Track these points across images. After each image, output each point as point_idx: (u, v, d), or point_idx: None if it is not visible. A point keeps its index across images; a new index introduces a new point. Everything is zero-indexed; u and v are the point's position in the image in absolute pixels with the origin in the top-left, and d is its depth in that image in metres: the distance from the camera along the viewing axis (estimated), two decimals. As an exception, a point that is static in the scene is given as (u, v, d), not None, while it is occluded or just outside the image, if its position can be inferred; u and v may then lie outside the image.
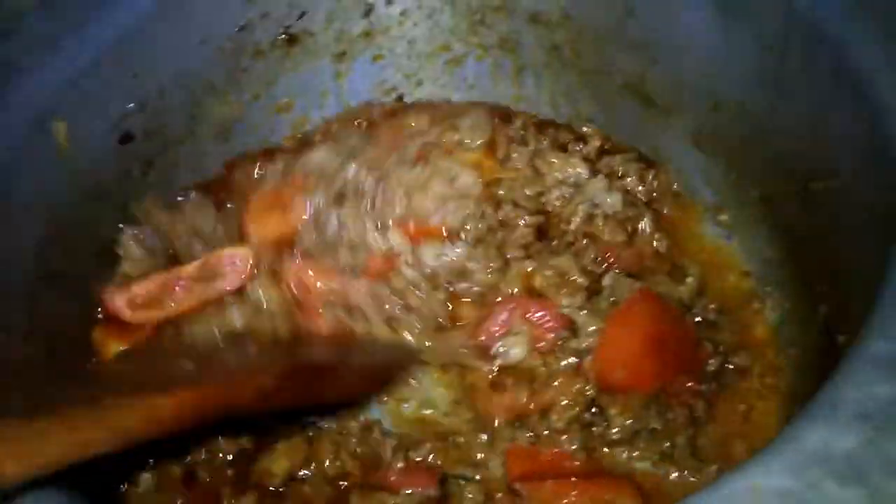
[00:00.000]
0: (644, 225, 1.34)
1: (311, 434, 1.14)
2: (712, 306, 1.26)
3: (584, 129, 1.51)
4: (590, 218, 1.34)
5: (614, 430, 1.13)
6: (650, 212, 1.37)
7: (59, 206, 1.21)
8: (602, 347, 1.17)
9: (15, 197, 1.13)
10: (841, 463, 0.65)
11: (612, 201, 1.35)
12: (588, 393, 1.14)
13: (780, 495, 0.64)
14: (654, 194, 1.42)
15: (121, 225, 1.34)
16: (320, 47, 1.55)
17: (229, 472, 1.13)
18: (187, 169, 1.46)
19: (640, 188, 1.41)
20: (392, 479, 1.11)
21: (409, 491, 1.09)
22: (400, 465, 1.12)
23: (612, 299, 1.21)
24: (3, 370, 0.95)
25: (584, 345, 1.18)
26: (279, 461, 1.12)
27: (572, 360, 1.17)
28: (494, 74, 1.62)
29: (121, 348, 1.22)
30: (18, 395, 0.94)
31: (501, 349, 1.20)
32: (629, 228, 1.34)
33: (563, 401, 1.14)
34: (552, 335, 1.19)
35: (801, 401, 1.08)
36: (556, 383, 1.15)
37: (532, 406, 1.16)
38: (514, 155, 1.43)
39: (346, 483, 1.11)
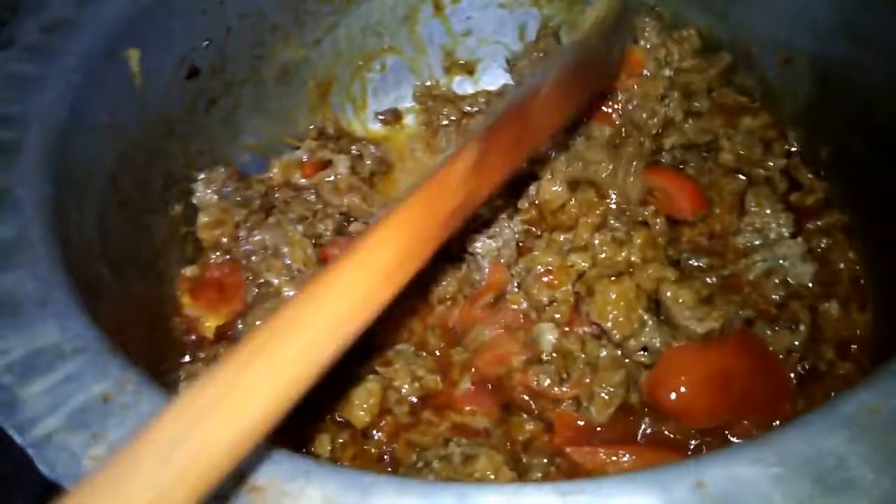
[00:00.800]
0: (834, 309, 1.18)
1: (382, 369, 1.14)
2: (830, 355, 1.15)
3: (805, 179, 1.33)
4: (766, 274, 1.20)
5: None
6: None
7: (131, 136, 1.21)
8: (661, 363, 1.09)
9: (89, 122, 1.12)
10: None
11: (803, 272, 1.20)
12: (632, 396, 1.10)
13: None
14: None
15: (196, 174, 1.35)
16: (386, -7, 1.54)
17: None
18: (249, 109, 1.46)
19: (842, 265, 1.24)
20: (459, 398, 1.13)
21: (473, 409, 1.11)
22: (467, 385, 1.13)
23: None
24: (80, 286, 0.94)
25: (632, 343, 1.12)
26: (356, 413, 1.10)
27: (615, 351, 1.13)
28: (557, 24, 1.60)
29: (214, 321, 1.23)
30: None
31: (535, 335, 1.17)
32: (808, 306, 1.17)
33: (601, 392, 1.09)
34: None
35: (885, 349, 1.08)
36: (588, 378, 1.11)
37: (563, 392, 1.12)
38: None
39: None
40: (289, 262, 1.23)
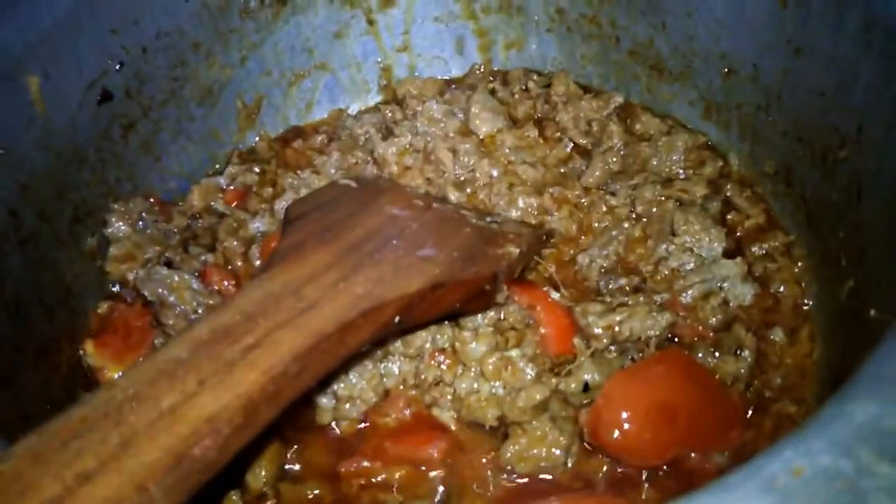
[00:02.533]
0: (777, 336, 1.13)
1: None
2: (777, 381, 1.10)
3: (743, 202, 1.28)
4: (703, 297, 1.14)
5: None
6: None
7: (34, 167, 1.13)
8: (600, 400, 1.03)
9: (-16, 154, 1.05)
10: (894, 440, 0.58)
11: (743, 293, 1.16)
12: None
13: (827, 478, 0.56)
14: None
15: (114, 204, 1.28)
16: (313, 7, 1.47)
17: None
18: (171, 133, 1.38)
19: (782, 289, 1.18)
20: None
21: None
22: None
23: (624, 357, 1.09)
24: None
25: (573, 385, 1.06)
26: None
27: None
28: (496, 37, 1.55)
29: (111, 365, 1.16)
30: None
31: None
32: (751, 331, 1.12)
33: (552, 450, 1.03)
34: None
35: (833, 378, 1.02)
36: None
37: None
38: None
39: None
40: (182, 307, 1.16)
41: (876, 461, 0.56)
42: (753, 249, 1.22)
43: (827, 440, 0.58)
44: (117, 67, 1.26)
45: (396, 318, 0.95)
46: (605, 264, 1.21)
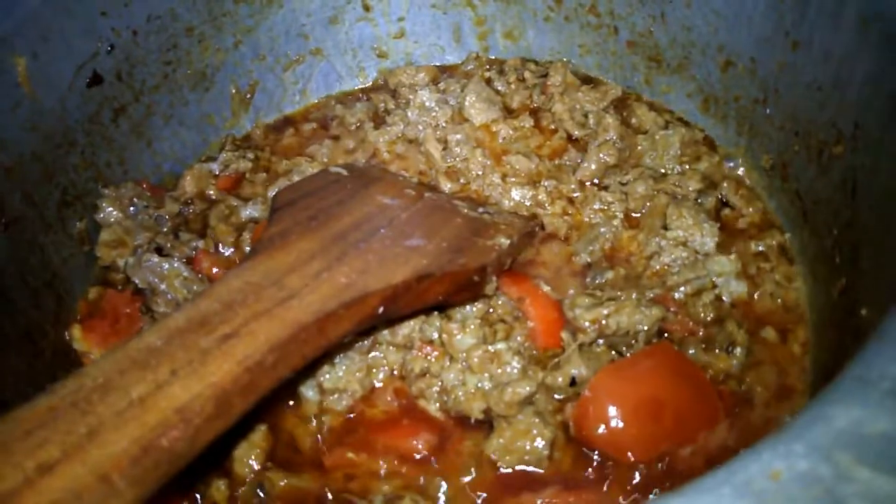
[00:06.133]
0: (769, 334, 1.12)
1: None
2: (768, 379, 1.08)
3: (738, 200, 1.26)
4: (696, 293, 1.13)
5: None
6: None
7: (21, 150, 1.12)
8: (587, 394, 1.02)
9: (-32, 136, 1.04)
10: (875, 446, 0.56)
11: (738, 290, 1.15)
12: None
13: (805, 483, 0.55)
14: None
15: (103, 188, 1.27)
16: (307, -9, 1.46)
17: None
18: (163, 117, 1.37)
19: (775, 287, 1.17)
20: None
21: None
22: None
23: (612, 352, 1.08)
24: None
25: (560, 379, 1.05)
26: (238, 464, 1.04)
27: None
28: (493, 25, 1.53)
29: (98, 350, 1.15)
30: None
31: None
32: (743, 328, 1.11)
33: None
34: None
35: (824, 377, 1.01)
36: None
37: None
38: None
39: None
40: (172, 295, 1.15)
41: (855, 466, 0.55)
42: (748, 247, 1.21)
43: (806, 444, 0.57)
44: (108, 50, 1.25)
45: (381, 309, 0.94)
46: (589, 259, 1.20)
